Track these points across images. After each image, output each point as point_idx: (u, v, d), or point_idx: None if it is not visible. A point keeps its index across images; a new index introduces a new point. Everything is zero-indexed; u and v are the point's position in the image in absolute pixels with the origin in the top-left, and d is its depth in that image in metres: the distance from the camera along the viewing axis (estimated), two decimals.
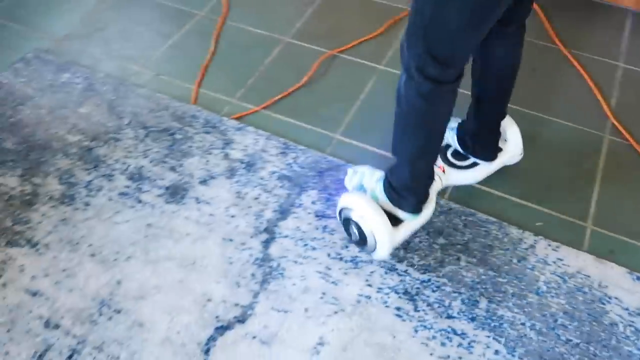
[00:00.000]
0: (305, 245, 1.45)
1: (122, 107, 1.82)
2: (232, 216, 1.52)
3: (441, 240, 1.46)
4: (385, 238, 1.34)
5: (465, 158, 1.56)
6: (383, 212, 1.35)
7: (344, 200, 1.40)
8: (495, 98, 1.46)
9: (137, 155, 1.68)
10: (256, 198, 1.56)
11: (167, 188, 1.59)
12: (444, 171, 1.52)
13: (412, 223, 1.41)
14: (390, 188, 1.36)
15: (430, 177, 1.39)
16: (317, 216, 1.52)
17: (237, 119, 1.78)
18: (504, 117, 1.51)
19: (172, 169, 1.64)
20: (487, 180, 1.58)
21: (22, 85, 1.88)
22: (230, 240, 1.47)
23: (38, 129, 1.75)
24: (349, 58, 1.98)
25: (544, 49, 2.00)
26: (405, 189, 1.35)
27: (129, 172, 1.63)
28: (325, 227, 1.49)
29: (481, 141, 1.52)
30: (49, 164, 1.66)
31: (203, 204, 1.55)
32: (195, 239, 1.47)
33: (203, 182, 1.60)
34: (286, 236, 1.47)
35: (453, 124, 1.55)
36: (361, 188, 1.46)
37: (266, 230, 1.49)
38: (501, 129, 1.53)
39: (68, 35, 2.08)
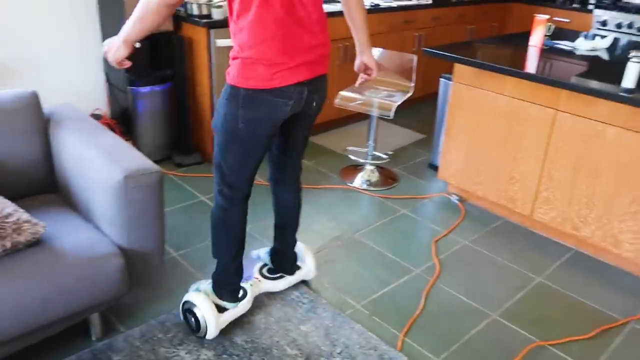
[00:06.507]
0: None
1: (337, 336, 2.01)
2: None
3: None
4: (212, 321, 1.92)
5: (275, 273, 2.22)
6: (211, 303, 1.94)
7: (185, 297, 1.98)
8: (286, 227, 2.15)
9: None
10: None
11: None
12: (259, 280, 2.17)
13: (233, 310, 2.01)
14: (215, 285, 2.01)
15: (238, 271, 1.99)
16: None
17: None
18: (294, 242, 2.19)
19: None
20: None
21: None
22: None
23: (265, 333, 2.01)
24: (557, 353, 2.00)
25: None
26: (222, 281, 1.99)
27: None
28: None
29: (282, 258, 2.21)
30: None
31: None
32: None
33: None
34: None
35: (267, 248, 2.27)
36: (197, 290, 2.05)
37: None
38: (299, 253, 2.24)
39: None
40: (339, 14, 3.59)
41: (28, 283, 1.55)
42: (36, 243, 1.65)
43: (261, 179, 3.10)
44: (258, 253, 2.30)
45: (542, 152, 2.60)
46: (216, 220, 1.92)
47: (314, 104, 1.81)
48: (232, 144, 1.76)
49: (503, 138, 2.73)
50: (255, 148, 1.77)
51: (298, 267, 2.25)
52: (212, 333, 1.93)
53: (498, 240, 2.71)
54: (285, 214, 2.12)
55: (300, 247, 2.26)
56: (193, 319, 1.94)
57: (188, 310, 1.96)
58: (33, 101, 1.98)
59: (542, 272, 2.47)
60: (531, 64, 2.68)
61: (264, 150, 1.82)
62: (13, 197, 1.83)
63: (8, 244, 1.57)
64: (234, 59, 1.69)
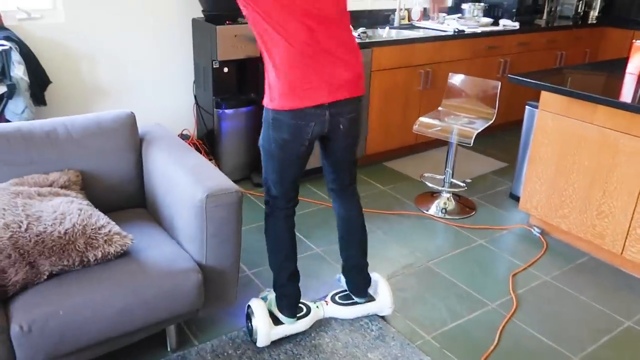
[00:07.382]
0: None
1: None
2: None
3: None
4: (263, 331, 1.98)
5: (347, 299, 2.19)
6: (267, 313, 2.01)
7: (250, 302, 2.06)
8: (346, 239, 2.13)
9: None
10: None
11: None
12: (327, 304, 2.17)
13: (289, 326, 2.05)
14: (276, 296, 2.06)
15: (290, 283, 2.02)
16: None
17: None
18: (361, 261, 2.14)
19: None
20: None
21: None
22: None
23: (331, 358, 2.01)
24: None
25: None
26: (279, 292, 2.04)
27: None
28: None
29: (349, 277, 2.16)
30: None
31: None
32: None
33: None
34: None
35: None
36: (265, 298, 2.13)
37: None
38: (373, 282, 2.20)
39: None
40: (419, 40, 3.60)
41: (114, 292, 1.66)
42: (123, 254, 1.77)
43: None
44: (340, 276, 2.29)
45: (636, 186, 2.43)
46: (265, 228, 2.03)
47: (341, 126, 1.85)
48: (269, 160, 1.92)
49: (592, 169, 2.58)
50: (288, 166, 1.90)
51: (372, 298, 2.21)
52: (262, 342, 2.00)
53: (582, 277, 2.55)
54: (344, 225, 2.12)
55: (377, 279, 2.22)
56: (250, 324, 2.04)
57: (248, 314, 2.07)
58: (130, 122, 2.15)
59: (632, 315, 2.29)
60: (627, 93, 2.53)
61: (298, 168, 1.92)
62: (106, 210, 1.98)
63: (99, 254, 1.70)
64: (265, 82, 1.84)
